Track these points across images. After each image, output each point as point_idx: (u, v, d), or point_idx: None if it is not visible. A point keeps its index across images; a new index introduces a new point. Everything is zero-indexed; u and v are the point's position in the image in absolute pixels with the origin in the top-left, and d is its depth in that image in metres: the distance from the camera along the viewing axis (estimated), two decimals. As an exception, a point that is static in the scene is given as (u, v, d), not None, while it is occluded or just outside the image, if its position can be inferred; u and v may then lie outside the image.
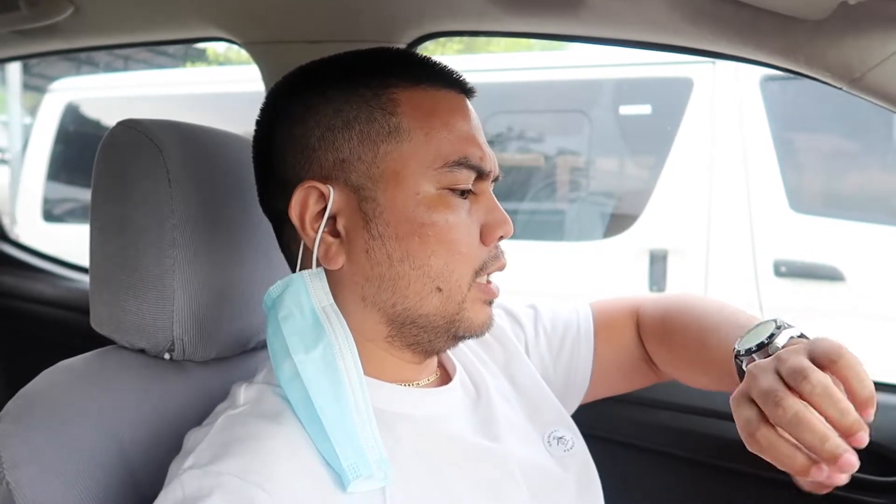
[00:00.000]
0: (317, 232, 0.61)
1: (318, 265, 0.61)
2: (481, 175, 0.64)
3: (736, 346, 0.63)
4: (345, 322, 0.60)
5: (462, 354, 0.74)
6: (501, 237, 0.65)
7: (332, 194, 0.60)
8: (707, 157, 2.39)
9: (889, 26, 0.75)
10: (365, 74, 0.63)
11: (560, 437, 0.72)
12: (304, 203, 0.61)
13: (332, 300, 0.61)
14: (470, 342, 0.76)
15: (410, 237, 0.60)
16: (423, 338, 0.63)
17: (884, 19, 0.74)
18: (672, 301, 0.82)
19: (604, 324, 0.83)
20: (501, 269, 0.66)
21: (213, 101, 3.25)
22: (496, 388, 0.72)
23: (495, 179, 0.68)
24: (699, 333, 0.75)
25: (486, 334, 0.77)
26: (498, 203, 0.66)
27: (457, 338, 0.65)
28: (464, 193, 0.63)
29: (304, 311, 0.59)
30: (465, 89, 0.67)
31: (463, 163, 0.62)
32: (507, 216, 0.65)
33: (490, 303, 0.65)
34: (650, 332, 0.82)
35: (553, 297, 2.63)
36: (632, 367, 0.83)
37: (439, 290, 0.61)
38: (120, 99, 3.50)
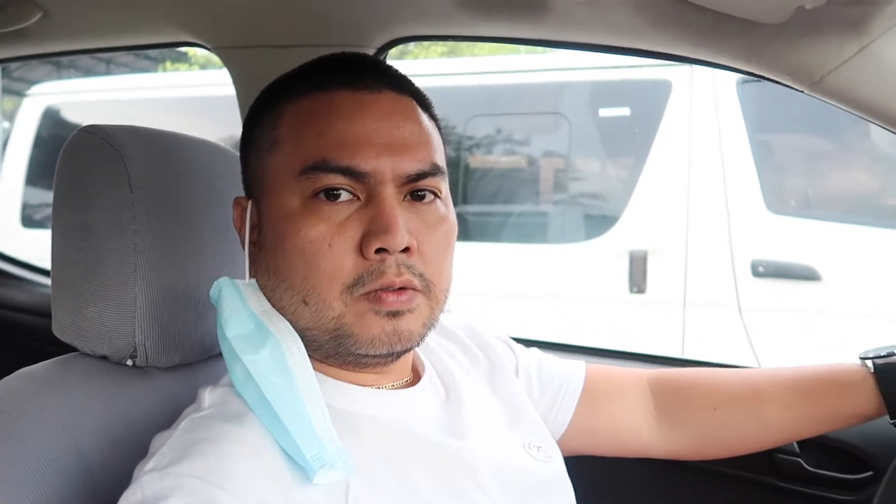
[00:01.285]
0: (246, 243, 0.64)
1: (252, 277, 0.64)
2: (358, 177, 0.58)
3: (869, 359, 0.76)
4: (286, 321, 0.60)
5: (434, 356, 0.74)
6: (383, 250, 0.57)
7: (250, 208, 0.64)
8: (685, 158, 2.41)
9: (846, 30, 0.76)
10: (271, 93, 0.65)
11: (539, 447, 0.71)
12: (239, 217, 0.65)
13: (269, 305, 0.61)
14: (451, 348, 0.77)
15: (276, 250, 0.60)
16: (328, 351, 0.61)
17: (841, 24, 0.75)
18: (693, 371, 0.86)
19: (595, 387, 0.82)
20: (385, 286, 0.57)
21: (194, 104, 3.24)
22: (472, 392, 0.72)
23: (431, 190, 0.61)
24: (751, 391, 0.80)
25: (472, 344, 0.78)
26: (391, 210, 0.57)
27: (358, 355, 0.60)
28: (338, 197, 0.58)
29: (241, 315, 0.60)
30: (381, 85, 0.61)
31: (321, 167, 0.58)
32: (393, 226, 0.56)
33: (393, 314, 0.58)
34: (679, 397, 0.82)
35: (535, 298, 2.61)
36: (615, 436, 0.83)
37: (305, 303, 0.59)
38: (100, 103, 3.48)
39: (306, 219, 0.58)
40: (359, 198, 0.59)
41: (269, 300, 0.62)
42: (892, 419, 0.74)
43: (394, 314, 0.58)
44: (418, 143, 0.60)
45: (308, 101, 0.61)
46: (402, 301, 0.58)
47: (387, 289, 0.57)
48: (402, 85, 0.63)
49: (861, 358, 0.78)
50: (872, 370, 0.76)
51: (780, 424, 0.79)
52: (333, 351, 0.60)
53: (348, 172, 0.58)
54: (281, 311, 0.61)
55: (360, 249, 0.57)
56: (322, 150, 0.58)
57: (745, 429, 0.80)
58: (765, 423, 0.79)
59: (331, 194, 0.58)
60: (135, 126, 0.73)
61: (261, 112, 0.65)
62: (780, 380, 0.80)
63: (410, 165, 0.59)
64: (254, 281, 0.63)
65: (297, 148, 0.59)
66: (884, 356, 0.76)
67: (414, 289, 0.59)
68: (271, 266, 0.61)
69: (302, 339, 0.60)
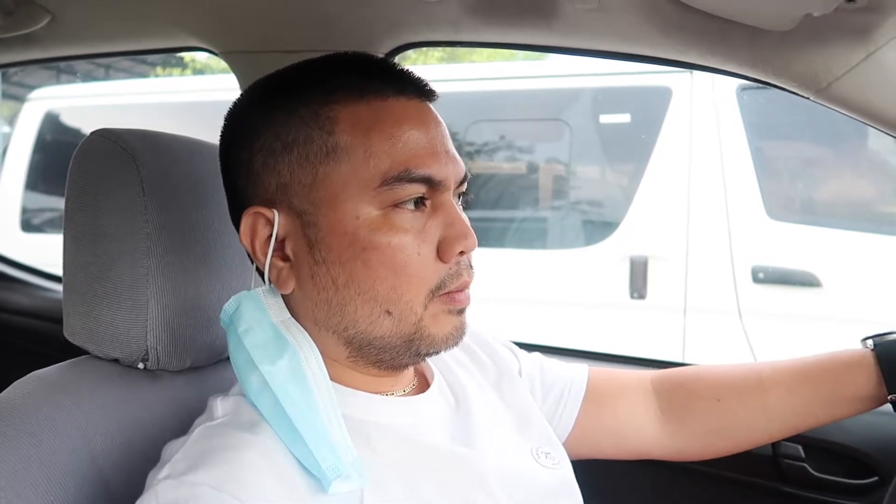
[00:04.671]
0: (266, 257, 0.60)
1: (287, 290, 0.62)
2: (434, 185, 0.59)
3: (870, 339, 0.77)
4: (305, 332, 0.60)
5: (442, 363, 0.74)
6: (462, 252, 0.60)
7: (277, 219, 0.60)
8: (685, 164, 2.42)
9: (853, 38, 0.77)
10: (305, 92, 0.60)
11: (547, 453, 0.71)
12: (252, 228, 0.61)
13: (288, 314, 0.61)
14: (460, 356, 0.76)
15: (353, 262, 0.58)
16: (385, 356, 0.61)
17: (848, 31, 0.76)
18: (694, 366, 0.86)
19: (597, 389, 0.82)
20: (463, 287, 0.61)
21: (193, 109, 3.24)
22: (481, 399, 0.72)
23: (464, 192, 0.65)
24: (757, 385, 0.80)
25: (479, 350, 0.78)
26: (461, 214, 0.61)
27: (420, 354, 0.62)
28: (417, 205, 0.59)
29: (262, 325, 0.60)
30: (421, 93, 0.62)
31: (404, 177, 0.58)
32: (469, 229, 0.60)
33: (460, 311, 0.62)
34: (682, 392, 0.82)
35: (536, 304, 2.60)
36: (620, 437, 0.82)
37: (389, 313, 0.59)
38: (99, 108, 3.48)
39: (394, 229, 0.58)
40: (425, 205, 0.60)
41: (331, 315, 0.60)
42: (889, 394, 0.74)
43: (461, 310, 0.62)
44: (453, 148, 0.63)
45: (364, 106, 0.59)
46: (469, 297, 0.62)
47: (462, 289, 0.61)
48: (431, 92, 0.64)
49: (862, 340, 0.79)
50: (872, 348, 0.77)
51: (785, 410, 0.79)
52: (389, 356, 0.61)
53: (427, 181, 0.59)
54: (347, 324, 0.60)
55: (438, 254, 0.60)
56: (402, 161, 0.58)
57: (750, 418, 0.80)
58: (769, 411, 0.79)
59: (408, 202, 0.59)
60: (146, 130, 0.73)
61: (292, 115, 0.60)
62: (781, 366, 0.80)
63: (461, 170, 0.62)
64: (272, 288, 0.62)
65: (371, 158, 0.58)
66: (882, 334, 0.77)
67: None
68: (341, 280, 0.59)
69: (358, 351, 0.61)
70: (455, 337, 0.62)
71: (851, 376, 0.77)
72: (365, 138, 0.58)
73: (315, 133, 0.59)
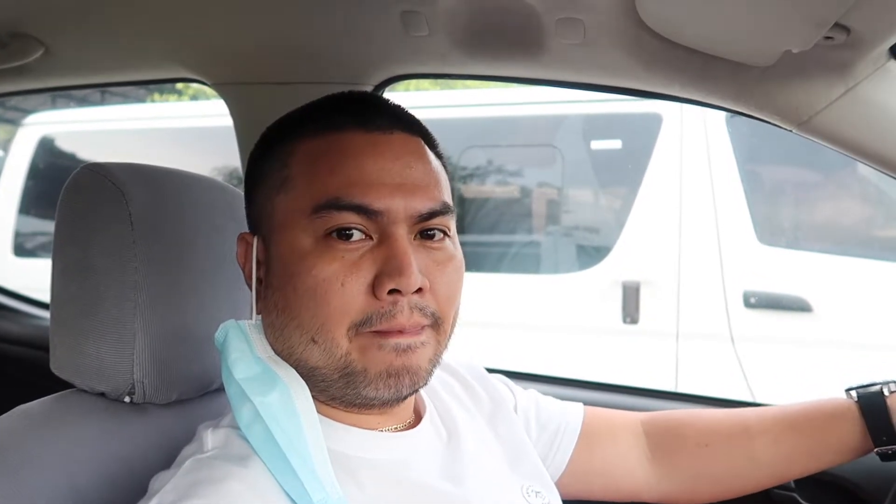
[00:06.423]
0: (252, 279, 0.63)
1: (258, 313, 0.63)
2: (372, 216, 0.58)
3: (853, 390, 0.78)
4: (291, 367, 0.60)
5: (435, 395, 0.73)
6: (396, 291, 0.57)
7: (256, 244, 0.63)
8: (676, 190, 2.44)
9: (832, 73, 0.78)
10: (286, 130, 0.64)
11: (538, 492, 0.71)
12: (244, 253, 0.65)
13: (272, 351, 0.62)
14: (455, 387, 0.76)
15: (286, 288, 0.59)
16: (333, 393, 0.60)
17: (826, 67, 0.78)
18: (684, 410, 0.87)
19: (591, 430, 0.82)
20: (394, 329, 0.58)
21: (189, 134, 3.26)
22: (474, 434, 0.71)
23: (427, 230, 0.61)
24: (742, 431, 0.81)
25: (475, 383, 0.78)
26: (404, 251, 0.57)
27: (365, 396, 0.59)
28: (355, 237, 0.58)
29: (249, 359, 0.60)
30: (395, 126, 0.62)
31: (333, 205, 0.58)
32: (407, 268, 0.57)
33: (399, 350, 0.58)
34: (671, 436, 0.83)
35: (529, 329, 2.59)
36: (611, 479, 0.82)
37: (314, 341, 0.59)
38: (95, 133, 3.50)
39: (320, 258, 0.58)
40: (371, 237, 0.59)
41: (277, 339, 0.61)
42: (875, 447, 0.76)
43: (402, 350, 0.58)
44: (428, 183, 0.61)
45: (320, 140, 0.61)
46: (410, 334, 0.58)
47: (396, 330, 0.58)
48: (412, 125, 0.64)
49: (846, 391, 0.80)
50: (856, 399, 0.78)
51: (771, 459, 0.79)
52: (341, 392, 0.60)
53: (361, 210, 0.58)
54: (289, 350, 0.60)
55: (373, 289, 0.57)
56: (334, 189, 0.58)
57: (736, 465, 0.80)
58: (756, 459, 0.80)
59: (343, 233, 0.58)
60: (136, 164, 0.73)
61: (269, 150, 0.64)
62: (768, 415, 0.81)
63: (422, 204, 0.60)
64: (259, 323, 0.63)
65: (309, 187, 0.59)
66: (865, 386, 0.79)
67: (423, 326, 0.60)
68: (280, 304, 0.60)
69: (310, 381, 0.60)
70: (391, 376, 0.58)
71: (837, 427, 0.78)
72: (308, 170, 0.60)
73: (276, 165, 0.62)
